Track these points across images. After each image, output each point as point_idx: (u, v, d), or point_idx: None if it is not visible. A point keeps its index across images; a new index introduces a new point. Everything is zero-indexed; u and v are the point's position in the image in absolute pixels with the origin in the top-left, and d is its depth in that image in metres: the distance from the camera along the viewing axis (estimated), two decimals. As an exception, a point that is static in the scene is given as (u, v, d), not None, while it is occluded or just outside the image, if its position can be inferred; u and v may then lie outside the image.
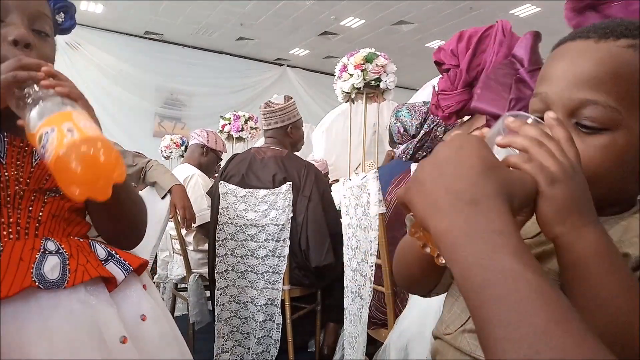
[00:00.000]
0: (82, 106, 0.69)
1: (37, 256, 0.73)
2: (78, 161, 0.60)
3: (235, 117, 5.12)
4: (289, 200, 2.00)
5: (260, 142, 4.12)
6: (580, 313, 0.32)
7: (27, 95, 0.68)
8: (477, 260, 0.34)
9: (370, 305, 1.57)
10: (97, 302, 0.74)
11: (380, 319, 1.72)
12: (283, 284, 2.02)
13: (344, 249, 1.80)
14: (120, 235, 0.91)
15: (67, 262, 0.74)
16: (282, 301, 2.03)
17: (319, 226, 2.04)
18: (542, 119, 0.49)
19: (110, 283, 0.78)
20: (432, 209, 0.39)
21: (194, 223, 2.36)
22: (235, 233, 2.05)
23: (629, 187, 0.52)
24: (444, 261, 0.42)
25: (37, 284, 0.68)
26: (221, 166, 2.57)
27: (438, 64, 1.19)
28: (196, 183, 2.62)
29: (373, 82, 3.20)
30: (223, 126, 5.15)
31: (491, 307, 0.31)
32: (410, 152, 1.95)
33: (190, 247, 2.56)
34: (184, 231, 2.46)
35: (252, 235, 2.03)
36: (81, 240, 0.82)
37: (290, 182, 2.02)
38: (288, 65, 10.31)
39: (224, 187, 2.10)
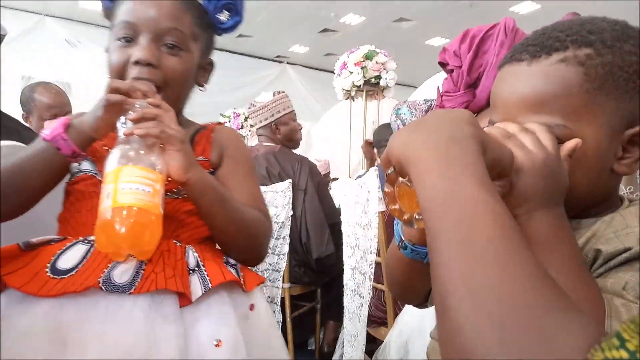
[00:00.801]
0: (172, 148, 0.72)
1: None
2: (105, 231, 0.65)
3: (235, 115, 5.11)
4: (289, 198, 2.00)
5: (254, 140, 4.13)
6: None
7: (122, 124, 0.72)
8: (444, 184, 0.36)
9: (369, 303, 1.57)
10: (159, 316, 0.69)
11: (380, 317, 1.72)
12: (283, 282, 2.02)
13: (343, 247, 1.80)
14: (233, 253, 0.87)
15: (143, 266, 0.71)
16: (282, 299, 2.03)
17: (317, 217, 2.04)
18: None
19: (184, 297, 0.72)
20: (412, 144, 0.40)
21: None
22: (234, 231, 2.05)
23: (605, 187, 0.54)
24: (420, 224, 0.44)
25: (100, 285, 0.67)
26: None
27: (443, 64, 1.18)
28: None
29: (373, 79, 3.20)
30: (223, 124, 5.14)
31: (449, 222, 0.33)
32: None
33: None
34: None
35: (251, 233, 2.03)
36: (178, 244, 0.79)
37: (290, 180, 2.02)
38: (288, 63, 10.29)
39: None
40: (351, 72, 3.20)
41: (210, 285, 0.74)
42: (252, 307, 0.80)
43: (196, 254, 0.78)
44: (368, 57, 3.17)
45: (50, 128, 0.75)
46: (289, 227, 2.00)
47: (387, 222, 1.77)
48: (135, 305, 0.68)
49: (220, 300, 0.75)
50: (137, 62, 0.79)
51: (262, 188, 2.04)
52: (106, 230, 0.65)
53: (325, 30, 8.74)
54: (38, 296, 0.66)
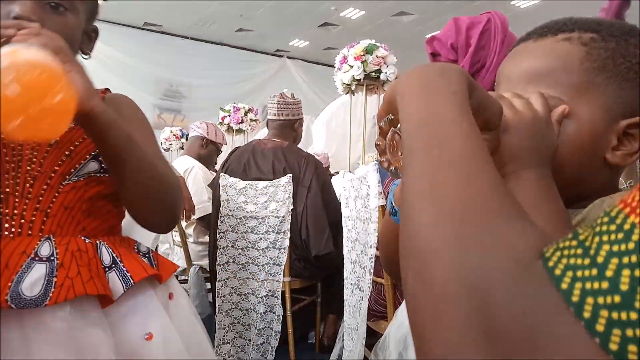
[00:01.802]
0: (71, 68, 0.60)
1: (23, 264, 0.64)
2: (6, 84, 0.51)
3: (235, 109, 5.11)
4: (289, 193, 2.00)
5: (261, 133, 4.12)
6: None
7: None
8: (423, 106, 0.36)
9: (369, 297, 1.58)
10: (84, 323, 0.65)
11: (380, 311, 1.73)
12: (283, 276, 2.03)
13: (343, 241, 1.81)
14: (144, 213, 0.77)
15: (55, 273, 0.65)
16: (283, 293, 2.04)
17: (318, 216, 2.05)
18: None
19: (105, 298, 0.69)
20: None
21: (194, 215, 2.37)
22: (235, 225, 2.06)
23: (597, 177, 0.53)
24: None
25: (8, 303, 0.60)
26: (221, 158, 2.58)
27: (434, 55, 1.16)
28: (196, 175, 2.63)
29: (373, 73, 3.19)
30: (223, 118, 5.14)
31: (422, 140, 0.34)
32: None
33: (191, 239, 2.56)
34: (184, 223, 2.47)
35: (252, 228, 2.04)
36: (87, 241, 0.73)
37: (291, 175, 2.03)
38: (288, 57, 10.26)
39: (224, 180, 2.10)
40: (351, 66, 3.19)
41: (132, 282, 0.70)
42: (171, 296, 0.79)
43: (109, 249, 0.73)
44: (368, 51, 3.16)
45: None
46: (290, 221, 2.01)
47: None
48: (54, 316, 0.63)
49: (143, 293, 0.73)
50: (16, 18, 0.68)
51: (264, 183, 2.05)
52: (15, 82, 0.51)
53: (325, 24, 8.71)
54: None
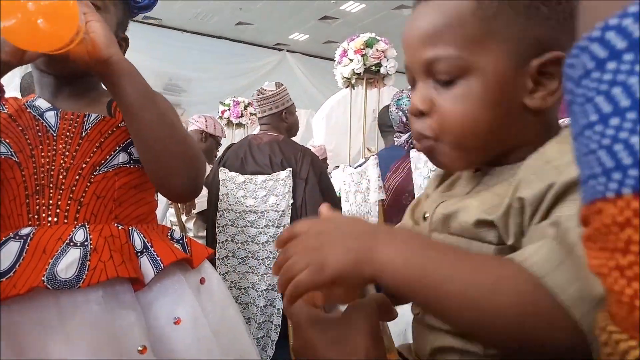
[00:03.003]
0: (91, 17, 0.63)
1: (59, 249, 0.68)
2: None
3: (234, 103, 5.09)
4: (289, 187, 2.00)
5: (256, 130, 4.11)
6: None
7: None
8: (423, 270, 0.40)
9: (369, 290, 1.59)
10: (117, 305, 0.68)
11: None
12: (283, 270, 2.03)
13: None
14: (165, 175, 0.76)
15: (89, 257, 0.68)
16: (283, 287, 2.04)
17: (317, 207, 2.04)
18: (414, 86, 0.53)
19: (138, 282, 0.71)
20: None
21: (194, 209, 2.37)
22: (235, 219, 2.06)
23: (520, 125, 0.49)
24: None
25: (45, 284, 0.64)
26: (220, 152, 2.57)
27: None
28: (196, 169, 2.62)
29: (373, 67, 3.18)
30: (222, 112, 5.13)
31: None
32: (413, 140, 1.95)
33: (191, 234, 2.57)
34: (184, 217, 2.47)
35: (252, 222, 2.04)
36: (120, 227, 0.75)
37: (291, 169, 2.03)
38: (288, 50, 10.22)
39: (224, 174, 2.10)
40: (351, 60, 3.18)
41: (162, 265, 0.73)
42: (202, 280, 0.81)
43: (141, 235, 0.76)
44: (368, 44, 3.15)
45: None
46: (290, 215, 2.01)
47: (387, 210, 1.78)
48: (88, 298, 0.66)
49: (172, 278, 0.75)
50: None
51: (263, 177, 2.05)
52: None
53: (325, 17, 8.67)
54: None
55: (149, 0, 0.91)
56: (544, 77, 0.47)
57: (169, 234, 0.83)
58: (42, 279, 0.64)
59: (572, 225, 0.37)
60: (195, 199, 2.36)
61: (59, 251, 0.68)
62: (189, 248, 0.81)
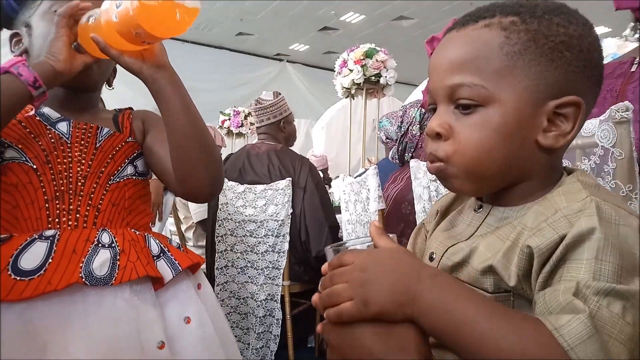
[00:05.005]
0: None
1: (89, 249, 0.72)
2: None
3: (235, 113, 5.11)
4: (289, 196, 2.00)
5: (254, 139, 4.12)
6: None
7: (86, 17, 0.73)
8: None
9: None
10: (141, 303, 0.73)
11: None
12: (283, 280, 2.02)
13: (343, 244, 1.81)
14: (195, 175, 0.81)
15: (118, 257, 0.73)
16: (282, 297, 2.03)
17: (316, 215, 2.05)
18: (434, 110, 0.55)
19: (157, 282, 0.77)
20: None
21: (193, 218, 2.37)
22: (234, 229, 2.05)
23: (531, 162, 0.51)
24: None
25: (83, 280, 0.68)
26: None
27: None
28: (196, 179, 2.62)
29: (373, 77, 3.20)
30: (223, 122, 5.15)
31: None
32: (397, 155, 2.01)
33: (190, 243, 2.56)
34: (183, 227, 2.47)
35: (251, 231, 2.04)
36: (137, 233, 0.81)
37: (290, 179, 2.03)
38: (288, 61, 10.28)
39: (224, 183, 2.10)
40: (351, 70, 3.20)
41: (180, 268, 0.79)
42: (199, 286, 0.86)
43: (157, 240, 0.82)
44: (368, 55, 3.17)
45: (8, 61, 0.72)
46: (289, 225, 2.00)
47: (387, 219, 1.77)
48: (116, 295, 0.71)
49: (182, 281, 0.81)
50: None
51: (263, 186, 2.05)
52: None
53: (325, 28, 8.73)
54: (7, 301, 0.64)
55: None
56: (559, 118, 0.50)
57: (168, 241, 0.88)
58: (80, 275, 0.68)
59: (603, 303, 0.40)
60: (196, 208, 2.36)
61: (90, 251, 0.72)
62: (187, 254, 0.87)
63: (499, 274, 0.48)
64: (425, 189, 1.52)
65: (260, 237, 2.02)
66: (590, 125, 0.79)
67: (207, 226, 2.22)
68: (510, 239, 0.48)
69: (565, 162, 0.58)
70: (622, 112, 0.74)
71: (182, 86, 0.77)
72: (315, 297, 0.50)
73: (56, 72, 0.72)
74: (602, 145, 0.77)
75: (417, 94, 3.55)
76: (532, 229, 0.46)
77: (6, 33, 0.89)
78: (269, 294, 2.01)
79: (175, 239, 2.55)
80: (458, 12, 0.57)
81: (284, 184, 2.01)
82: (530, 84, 0.49)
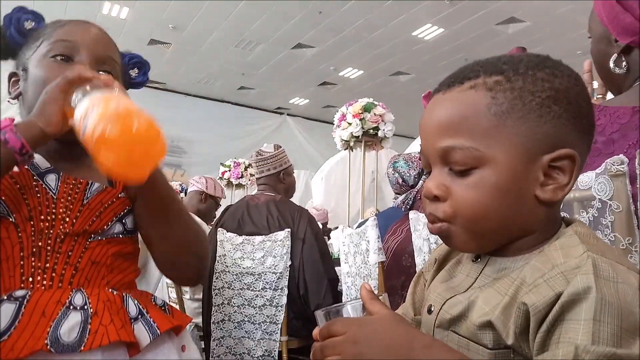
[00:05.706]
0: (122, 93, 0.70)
1: (59, 312, 0.68)
2: (116, 125, 0.59)
3: (235, 164, 5.16)
4: (287, 248, 1.98)
5: (254, 190, 4.14)
6: None
7: (76, 98, 0.70)
8: None
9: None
10: None
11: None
12: (281, 335, 1.97)
13: (343, 298, 1.77)
14: (176, 264, 0.84)
15: (90, 320, 0.69)
16: (280, 353, 1.97)
17: (315, 267, 2.02)
18: (430, 173, 0.55)
19: (133, 347, 0.72)
20: None
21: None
22: (232, 282, 2.02)
23: (530, 216, 0.51)
24: None
25: (48, 347, 0.64)
26: (219, 212, 2.58)
27: None
28: (194, 230, 2.61)
29: (371, 130, 3.26)
30: (223, 173, 5.19)
31: None
32: (410, 201, 1.97)
33: (187, 296, 2.51)
34: (180, 279, 2.42)
35: (248, 284, 2.00)
36: (115, 293, 0.76)
37: (289, 230, 2.02)
38: (288, 114, 10.51)
39: (222, 235, 2.09)
40: (350, 124, 3.26)
41: (158, 332, 0.74)
42: (183, 348, 0.81)
43: (135, 301, 0.77)
44: (366, 109, 3.24)
45: None
46: (287, 278, 1.97)
47: (387, 272, 1.75)
48: None
49: (162, 344, 0.76)
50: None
51: (261, 237, 2.03)
52: (122, 125, 0.59)
53: (324, 83, 8.99)
54: None
55: (143, 77, 0.98)
56: (555, 172, 0.50)
57: (152, 299, 0.83)
58: (45, 342, 0.63)
59: None
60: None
61: (60, 314, 0.68)
62: (171, 314, 0.82)
63: (497, 330, 0.47)
64: (425, 241, 1.51)
65: (258, 290, 1.98)
66: (587, 178, 0.79)
67: (204, 279, 2.18)
68: (509, 294, 0.47)
69: (564, 215, 0.58)
70: (617, 165, 0.75)
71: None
72: None
73: (45, 135, 0.70)
74: (599, 198, 0.78)
75: (415, 146, 3.60)
76: (529, 285, 0.46)
77: (6, 64, 0.88)
78: (266, 350, 1.95)
79: (172, 292, 2.50)
80: (454, 67, 0.58)
81: (283, 235, 2.00)
82: (521, 140, 0.49)
